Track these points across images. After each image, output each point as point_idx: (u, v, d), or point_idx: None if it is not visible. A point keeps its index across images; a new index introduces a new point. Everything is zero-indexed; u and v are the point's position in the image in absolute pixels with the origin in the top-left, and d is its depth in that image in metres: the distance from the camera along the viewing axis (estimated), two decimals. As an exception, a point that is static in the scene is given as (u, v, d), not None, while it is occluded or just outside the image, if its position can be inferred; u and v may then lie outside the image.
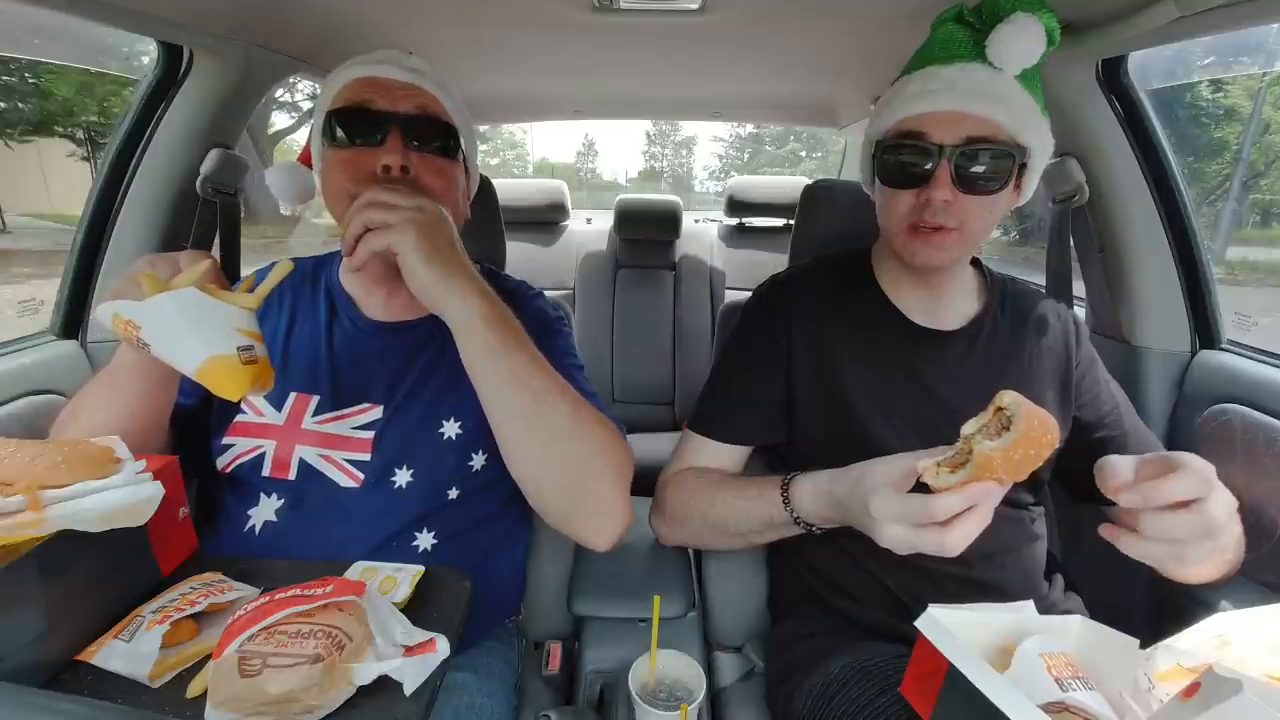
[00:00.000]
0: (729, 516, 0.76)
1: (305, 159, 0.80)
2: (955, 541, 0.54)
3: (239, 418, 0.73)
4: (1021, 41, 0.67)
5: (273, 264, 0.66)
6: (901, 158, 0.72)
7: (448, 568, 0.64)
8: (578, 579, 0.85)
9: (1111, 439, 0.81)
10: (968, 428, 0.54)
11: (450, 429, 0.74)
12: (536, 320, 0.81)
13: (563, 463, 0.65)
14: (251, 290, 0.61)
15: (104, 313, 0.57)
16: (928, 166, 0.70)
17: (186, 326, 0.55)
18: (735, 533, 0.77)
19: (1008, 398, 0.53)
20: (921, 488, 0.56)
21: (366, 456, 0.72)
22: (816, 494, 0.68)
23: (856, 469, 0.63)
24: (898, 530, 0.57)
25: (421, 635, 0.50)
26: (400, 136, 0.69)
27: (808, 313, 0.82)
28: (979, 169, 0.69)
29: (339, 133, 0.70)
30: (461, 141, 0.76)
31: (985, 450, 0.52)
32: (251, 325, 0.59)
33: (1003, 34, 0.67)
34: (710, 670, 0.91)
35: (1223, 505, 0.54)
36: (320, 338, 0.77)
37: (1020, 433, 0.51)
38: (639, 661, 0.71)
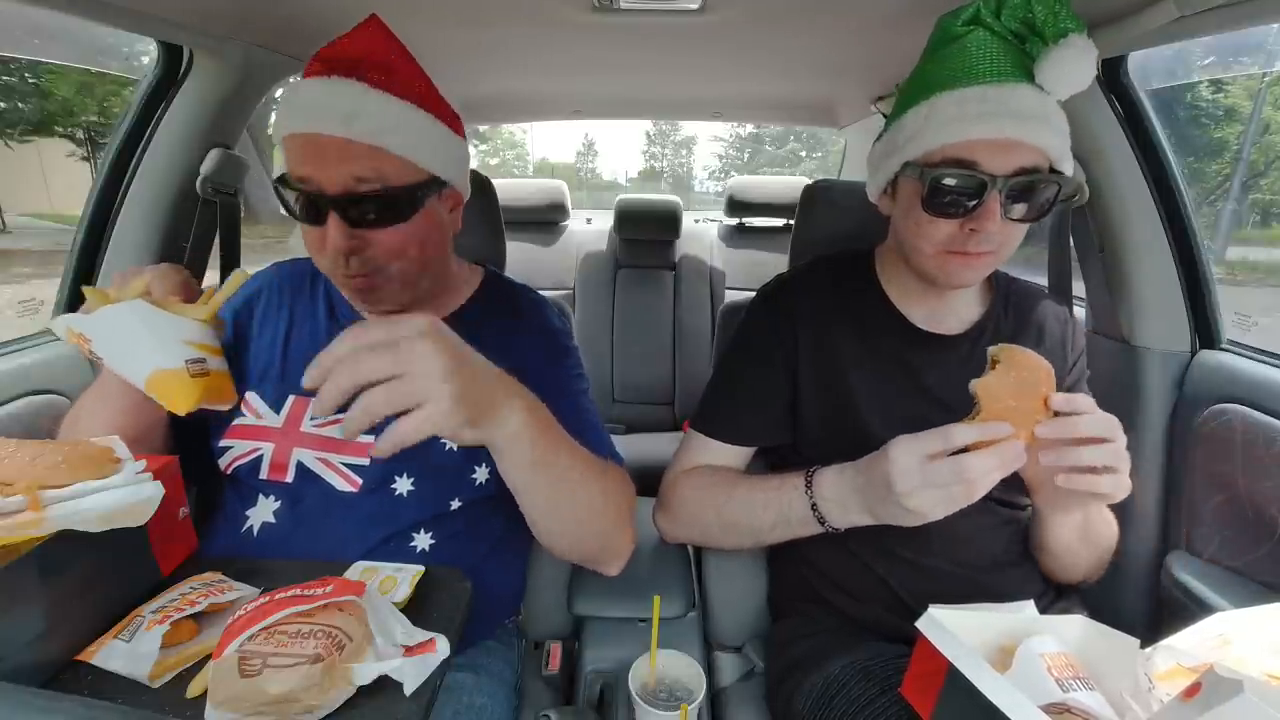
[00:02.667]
0: (744, 511, 0.76)
1: None
2: (973, 466, 0.55)
3: (238, 420, 0.73)
4: (1079, 67, 0.63)
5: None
6: (948, 187, 0.66)
7: (448, 568, 0.64)
8: (578, 579, 0.85)
9: None
10: (973, 383, 0.59)
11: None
12: (547, 338, 0.81)
13: (587, 534, 0.69)
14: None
15: (59, 326, 0.56)
16: (978, 198, 0.65)
17: (131, 339, 0.54)
18: (748, 529, 0.76)
19: (994, 348, 0.60)
20: None
21: (365, 461, 0.71)
22: (839, 479, 0.68)
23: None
24: (911, 460, 0.58)
25: (421, 635, 0.50)
26: (340, 219, 0.62)
27: (812, 314, 0.81)
28: (1028, 200, 0.67)
29: (285, 204, 0.66)
30: (421, 194, 0.67)
31: (983, 381, 0.57)
32: (205, 338, 0.57)
33: (1059, 58, 0.63)
34: (710, 670, 0.91)
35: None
36: (320, 340, 0.77)
37: (1007, 359, 0.58)
38: (639, 661, 0.71)
